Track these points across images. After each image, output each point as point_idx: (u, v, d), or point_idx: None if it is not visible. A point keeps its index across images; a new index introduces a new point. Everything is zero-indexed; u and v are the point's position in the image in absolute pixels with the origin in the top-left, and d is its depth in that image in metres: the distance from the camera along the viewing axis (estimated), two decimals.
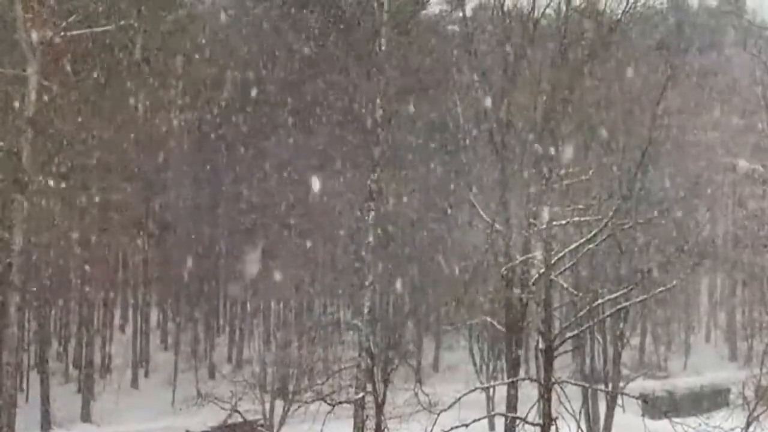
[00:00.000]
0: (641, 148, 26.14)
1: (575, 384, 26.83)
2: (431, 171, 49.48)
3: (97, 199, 44.29)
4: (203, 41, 51.36)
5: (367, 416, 26.80)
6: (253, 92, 49.12)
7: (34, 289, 42.13)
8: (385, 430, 23.47)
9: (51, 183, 31.96)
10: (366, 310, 31.49)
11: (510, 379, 24.86)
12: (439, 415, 21.27)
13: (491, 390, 41.09)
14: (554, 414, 20.99)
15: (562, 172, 23.45)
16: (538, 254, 22.16)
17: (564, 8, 26.12)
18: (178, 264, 52.15)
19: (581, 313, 23.25)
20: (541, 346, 21.52)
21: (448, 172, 46.57)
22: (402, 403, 24.38)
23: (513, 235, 23.39)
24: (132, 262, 53.79)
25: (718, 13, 73.87)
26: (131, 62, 41.59)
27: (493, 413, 28.40)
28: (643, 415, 25.84)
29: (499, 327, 25.30)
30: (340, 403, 25.03)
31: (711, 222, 45.78)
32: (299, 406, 31.05)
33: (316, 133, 48.83)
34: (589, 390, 34.63)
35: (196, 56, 49.07)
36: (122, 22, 32.64)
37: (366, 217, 32.09)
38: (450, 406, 21.14)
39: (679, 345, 63.43)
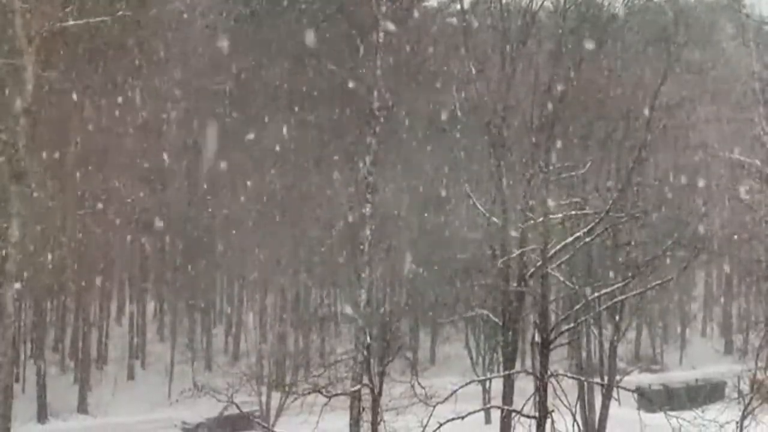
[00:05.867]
0: (638, 141, 26.16)
1: (571, 377, 26.85)
2: (428, 163, 49.47)
3: (93, 189, 44.28)
4: (199, 30, 51.29)
5: (363, 408, 26.76)
6: (249, 82, 49.05)
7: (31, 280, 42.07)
8: (382, 422, 23.41)
9: (48, 173, 31.91)
10: (362, 303, 31.43)
11: (506, 372, 24.86)
12: (435, 407, 21.23)
13: (487, 382, 41.18)
14: (550, 407, 21.00)
15: (559, 165, 23.46)
16: (534, 247, 22.17)
17: (562, 1, 26.10)
18: (174, 256, 52.19)
19: (577, 307, 23.26)
20: (537, 339, 21.51)
21: (445, 165, 46.60)
22: (398, 395, 24.35)
23: (509, 228, 23.37)
24: (128, 254, 53.73)
25: (715, 7, 73.81)
26: (127, 53, 41.52)
27: (489, 406, 28.40)
28: (638, 409, 25.82)
29: (495, 320, 25.30)
30: (337, 395, 24.95)
31: (707, 215, 45.76)
32: (295, 398, 31.04)
33: (313, 124, 48.78)
34: (585, 383, 34.62)
35: (192, 45, 49.02)
36: (119, 13, 32.53)
37: (363, 209, 31.99)
38: (446, 399, 21.12)
39: (675, 338, 63.53)
